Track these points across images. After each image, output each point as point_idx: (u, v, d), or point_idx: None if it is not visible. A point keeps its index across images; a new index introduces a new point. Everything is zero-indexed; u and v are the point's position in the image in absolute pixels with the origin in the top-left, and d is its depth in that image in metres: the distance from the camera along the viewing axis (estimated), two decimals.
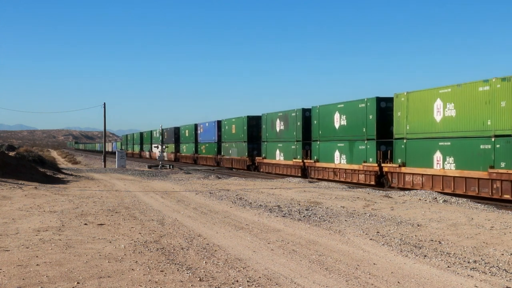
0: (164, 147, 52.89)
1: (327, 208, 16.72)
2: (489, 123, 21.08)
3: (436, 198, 19.72)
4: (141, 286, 7.78)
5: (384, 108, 27.75)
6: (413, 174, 25.21)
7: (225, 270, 8.71)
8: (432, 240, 11.37)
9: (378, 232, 12.38)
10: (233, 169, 48.54)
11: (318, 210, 16.10)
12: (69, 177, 32.84)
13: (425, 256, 9.84)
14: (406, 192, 22.39)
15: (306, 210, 16.19)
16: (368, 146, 28.63)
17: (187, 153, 65.79)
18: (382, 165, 27.57)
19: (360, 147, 29.35)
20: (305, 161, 35.67)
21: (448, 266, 9.05)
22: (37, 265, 8.94)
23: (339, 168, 31.45)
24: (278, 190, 23.39)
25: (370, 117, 27.89)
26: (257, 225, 13.42)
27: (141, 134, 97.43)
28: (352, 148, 30.27)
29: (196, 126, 62.50)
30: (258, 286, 7.83)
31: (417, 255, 9.89)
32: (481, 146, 21.46)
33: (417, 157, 25.07)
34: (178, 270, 8.66)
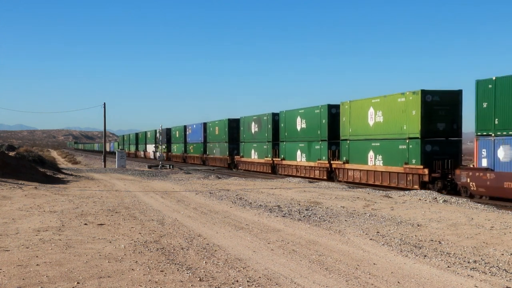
0: (156, 146, 57.10)
1: (327, 208, 16.72)
2: (405, 127, 26.71)
3: (436, 198, 19.73)
4: (141, 286, 7.78)
5: (334, 114, 32.87)
6: (354, 169, 30.31)
7: (225, 270, 8.71)
8: (432, 240, 11.37)
9: (378, 232, 12.38)
10: (216, 167, 53.41)
11: (318, 210, 16.10)
12: (69, 177, 32.85)
13: (425, 256, 9.85)
14: (406, 192, 22.43)
15: (306, 210, 16.19)
16: (322, 146, 33.65)
17: (177, 152, 70.61)
18: (332, 162, 33.04)
19: (316, 147, 34.32)
20: (274, 159, 40.82)
21: (448, 266, 9.05)
22: (37, 265, 8.94)
23: (300, 165, 36.39)
24: (278, 190, 23.40)
25: (323, 121, 32.93)
26: (257, 225, 13.42)
27: (137, 134, 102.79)
28: (310, 148, 35.20)
29: (185, 127, 67.46)
30: (258, 286, 7.83)
31: (417, 255, 9.89)
32: (400, 147, 27.07)
33: (357, 156, 30.15)
34: (178, 270, 8.66)
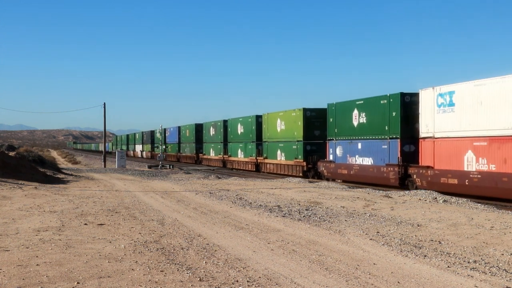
0: (156, 147, 63.35)
1: (327, 208, 16.72)
2: (295, 133, 36.75)
3: (436, 198, 19.73)
4: (141, 286, 7.78)
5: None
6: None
7: (225, 270, 8.71)
8: (432, 240, 11.37)
9: (378, 232, 12.38)
10: (187, 163, 62.85)
11: (318, 210, 16.10)
12: (69, 177, 32.85)
13: (425, 256, 9.84)
14: (406, 192, 22.45)
15: (306, 210, 16.19)
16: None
17: (158, 152, 78.21)
18: (257, 158, 42.91)
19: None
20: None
21: (448, 266, 9.05)
22: (37, 265, 8.94)
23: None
24: (278, 190, 23.40)
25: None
26: (257, 225, 13.41)
27: (127, 136, 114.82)
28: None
29: (165, 130, 75.75)
30: (258, 286, 7.83)
31: (417, 255, 9.89)
32: (293, 147, 37.05)
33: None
34: (178, 270, 8.66)
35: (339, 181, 31.72)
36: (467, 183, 22.02)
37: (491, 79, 21.49)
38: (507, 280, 8.18)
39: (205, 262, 9.23)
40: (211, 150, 57.13)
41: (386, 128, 27.54)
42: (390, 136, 27.26)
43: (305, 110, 36.24)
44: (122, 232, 12.31)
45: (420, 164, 25.04)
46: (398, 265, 9.11)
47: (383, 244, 10.88)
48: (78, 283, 7.88)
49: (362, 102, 29.84)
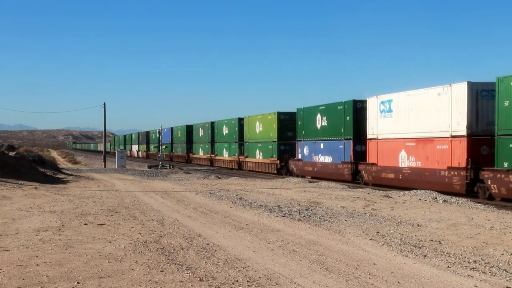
0: (157, 146, 64.14)
1: (327, 208, 16.72)
2: (271, 135, 41.57)
3: (436, 198, 19.74)
4: (141, 286, 7.78)
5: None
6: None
7: (225, 270, 8.71)
8: (432, 240, 11.37)
9: (378, 232, 12.38)
10: (178, 162, 66.90)
11: (318, 210, 16.10)
12: (69, 177, 32.85)
13: (425, 256, 9.85)
14: (406, 192, 22.44)
15: (306, 210, 16.19)
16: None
17: (153, 151, 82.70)
18: (239, 157, 47.74)
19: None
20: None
21: (448, 266, 9.05)
22: (37, 265, 8.94)
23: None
24: (278, 190, 23.40)
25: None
26: (257, 225, 13.41)
27: (125, 136, 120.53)
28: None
29: (159, 130, 79.61)
30: (258, 286, 7.83)
31: (417, 255, 9.89)
32: (269, 147, 41.85)
33: (251, 152, 43.35)
34: (178, 270, 8.66)
35: (309, 177, 35.23)
36: (400, 177, 26.22)
37: (417, 90, 25.46)
38: (507, 280, 8.19)
39: (205, 262, 9.23)
40: (200, 149, 61.70)
41: (342, 131, 31.56)
42: (345, 138, 31.26)
43: (279, 113, 40.80)
44: (122, 232, 12.31)
45: (367, 162, 29.13)
46: (398, 265, 9.11)
47: (383, 244, 10.88)
48: (78, 283, 7.88)
49: (324, 107, 34.16)
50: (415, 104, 25.34)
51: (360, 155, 30.00)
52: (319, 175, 34.08)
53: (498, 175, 20.33)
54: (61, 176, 33.40)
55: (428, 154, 24.38)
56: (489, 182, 20.91)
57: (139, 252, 10.01)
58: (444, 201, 19.13)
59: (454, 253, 10.08)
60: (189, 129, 66.97)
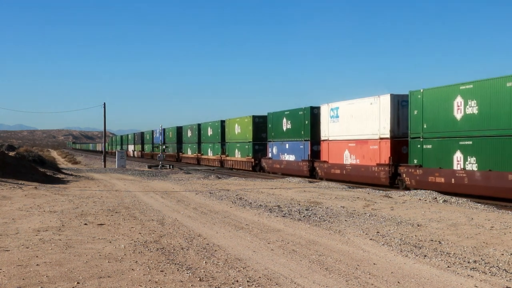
0: (156, 147, 69.43)
1: (327, 208, 16.72)
2: (247, 136, 46.26)
3: (436, 198, 19.74)
4: (141, 286, 7.78)
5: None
6: (230, 160, 48.26)
7: (225, 270, 8.71)
8: (432, 240, 11.37)
9: (378, 232, 12.38)
10: (170, 161, 69.91)
11: (318, 210, 16.10)
12: (69, 177, 32.85)
13: (425, 256, 9.84)
14: (406, 192, 22.47)
15: (306, 210, 16.19)
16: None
17: (147, 151, 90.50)
18: (221, 155, 53.17)
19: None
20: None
21: (448, 266, 9.05)
22: (37, 265, 8.94)
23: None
24: (278, 190, 23.40)
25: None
26: (257, 225, 13.42)
27: (121, 137, 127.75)
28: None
29: (152, 131, 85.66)
30: (258, 286, 7.83)
31: (417, 255, 9.89)
32: (245, 146, 46.63)
33: (231, 151, 49.54)
34: (178, 270, 8.66)
35: (279, 174, 39.80)
36: (344, 173, 31.14)
37: (356, 100, 30.37)
38: (507, 280, 8.18)
39: (205, 262, 9.23)
40: (189, 149, 67.16)
41: (302, 133, 36.62)
42: (304, 139, 36.30)
43: (254, 117, 45.70)
44: (122, 232, 12.31)
45: (321, 160, 34.10)
46: (398, 265, 9.11)
47: (383, 244, 10.88)
48: (78, 283, 7.88)
49: (288, 112, 38.99)
50: (355, 111, 30.31)
51: (316, 154, 35.20)
52: (286, 171, 38.70)
53: (410, 170, 25.27)
54: (61, 176, 33.40)
55: (364, 153, 29.38)
56: (404, 176, 25.82)
57: (139, 252, 10.01)
58: (444, 201, 19.13)
59: (454, 253, 10.08)
60: (179, 130, 71.95)
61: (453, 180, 22.51)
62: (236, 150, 49.31)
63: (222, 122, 54.12)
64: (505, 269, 8.85)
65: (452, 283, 8.04)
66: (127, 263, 9.14)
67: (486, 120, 21.12)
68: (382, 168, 27.41)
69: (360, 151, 29.74)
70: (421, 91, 24.86)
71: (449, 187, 22.67)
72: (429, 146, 24.33)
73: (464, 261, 9.42)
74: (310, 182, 30.51)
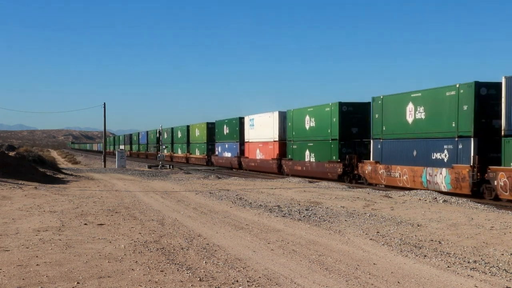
0: (155, 147, 73.58)
1: (327, 208, 16.72)
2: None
3: (436, 198, 19.73)
4: (141, 286, 7.78)
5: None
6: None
7: (225, 270, 8.71)
8: (432, 240, 11.37)
9: (378, 232, 12.38)
10: (151, 159, 79.64)
11: (318, 210, 16.10)
12: (69, 177, 32.84)
13: (425, 256, 9.84)
14: (406, 192, 22.45)
15: (306, 210, 16.18)
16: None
17: (134, 150, 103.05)
18: (187, 154, 65.16)
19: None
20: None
21: (448, 266, 9.05)
22: (37, 265, 8.94)
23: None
24: (278, 190, 23.40)
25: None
26: (257, 225, 13.41)
27: (114, 137, 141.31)
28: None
29: (138, 133, 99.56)
30: (258, 286, 7.83)
31: (417, 255, 9.89)
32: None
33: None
34: (178, 270, 8.66)
35: (222, 167, 52.50)
36: (256, 165, 44.40)
37: (263, 114, 43.63)
38: (507, 280, 8.19)
39: (205, 262, 9.23)
40: (196, 149, 73.39)
41: (235, 136, 49.50)
42: (236, 141, 49.34)
43: (208, 123, 58.57)
44: (122, 232, 12.31)
45: (244, 156, 47.12)
46: (398, 265, 9.11)
47: (383, 244, 10.88)
48: (78, 283, 7.88)
49: (227, 121, 52.01)
50: (262, 122, 43.45)
51: (243, 152, 48.29)
52: (224, 165, 52.55)
53: (287, 162, 38.64)
54: (61, 176, 33.40)
55: (266, 151, 42.69)
56: (284, 166, 39.20)
57: (139, 252, 10.01)
58: (444, 201, 19.13)
59: (454, 253, 10.08)
60: (159, 133, 79.99)
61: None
62: (196, 149, 62.50)
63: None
64: (505, 269, 8.85)
65: (452, 283, 8.04)
66: (127, 263, 9.14)
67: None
68: (274, 161, 40.65)
69: (264, 149, 43.12)
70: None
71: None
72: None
73: (464, 261, 9.42)
74: (310, 182, 30.51)
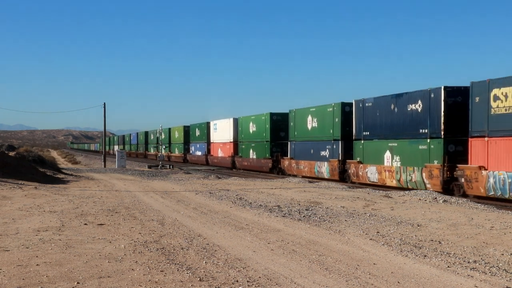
0: (155, 147, 77.69)
1: (327, 208, 16.72)
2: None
3: (436, 198, 19.74)
4: (141, 286, 7.78)
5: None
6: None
7: (225, 270, 8.71)
8: (432, 240, 11.38)
9: (378, 232, 12.38)
10: (139, 158, 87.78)
11: (318, 210, 16.10)
12: (69, 177, 32.84)
13: (425, 256, 9.85)
14: (406, 192, 22.46)
15: (306, 210, 16.19)
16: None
17: (126, 150, 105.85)
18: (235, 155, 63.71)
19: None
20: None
21: (448, 266, 9.05)
22: (37, 265, 8.94)
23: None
24: (278, 190, 23.40)
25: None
26: (257, 225, 13.42)
27: (109, 138, 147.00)
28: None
29: (130, 134, 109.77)
30: (258, 286, 7.83)
31: (417, 255, 9.90)
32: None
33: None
34: (178, 270, 8.67)
35: (195, 164, 60.52)
36: (217, 161, 53.04)
37: (223, 119, 52.63)
38: (507, 280, 8.19)
39: (205, 262, 9.23)
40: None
41: (204, 138, 58.43)
42: (204, 141, 58.37)
43: (184, 126, 67.28)
44: (122, 232, 12.32)
45: (210, 154, 56.16)
46: (398, 265, 9.11)
47: (383, 244, 10.88)
48: (78, 283, 7.88)
49: (198, 125, 61.14)
50: (223, 125, 52.30)
51: (209, 151, 56.93)
52: (196, 162, 61.17)
53: (238, 158, 47.40)
54: (61, 176, 33.40)
55: (225, 150, 51.20)
56: (236, 162, 47.87)
57: (139, 252, 10.01)
58: (444, 201, 19.13)
59: (454, 253, 10.09)
60: (147, 134, 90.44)
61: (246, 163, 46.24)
62: (176, 149, 71.05)
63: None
64: (505, 269, 8.85)
65: (452, 283, 8.05)
66: (127, 263, 9.15)
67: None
68: (230, 158, 49.24)
69: (224, 148, 51.77)
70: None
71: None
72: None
73: (464, 261, 9.43)
74: (310, 182, 30.53)
